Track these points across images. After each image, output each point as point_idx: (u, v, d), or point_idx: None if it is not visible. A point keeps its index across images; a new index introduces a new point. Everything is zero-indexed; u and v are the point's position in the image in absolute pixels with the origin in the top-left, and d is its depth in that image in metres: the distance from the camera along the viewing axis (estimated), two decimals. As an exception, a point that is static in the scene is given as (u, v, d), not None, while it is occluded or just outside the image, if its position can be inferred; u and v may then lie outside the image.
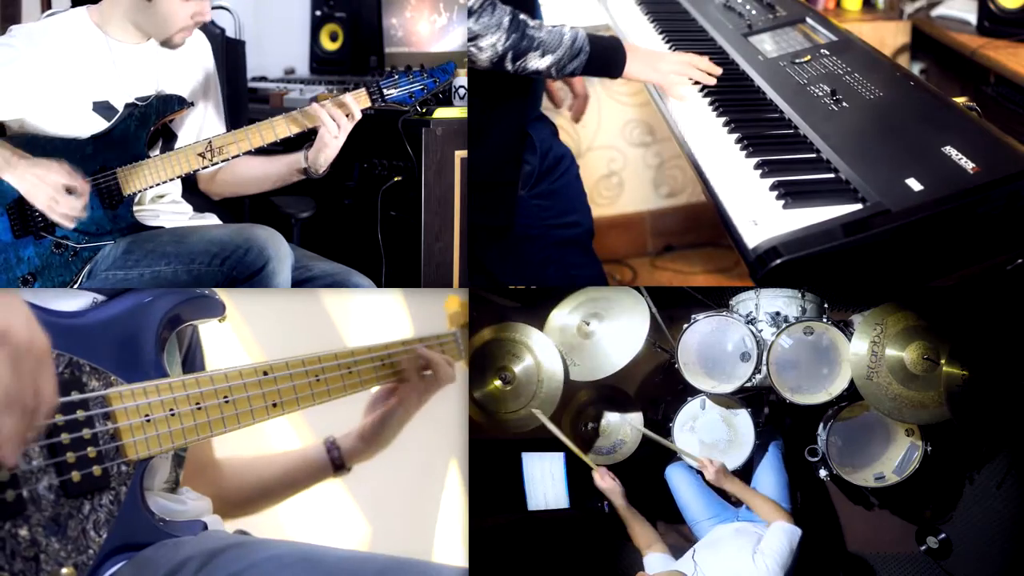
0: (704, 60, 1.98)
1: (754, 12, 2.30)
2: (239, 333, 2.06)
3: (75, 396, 1.21)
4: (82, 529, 1.19)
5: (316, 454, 1.72)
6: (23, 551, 1.13)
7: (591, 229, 2.15)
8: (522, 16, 1.81)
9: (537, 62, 1.81)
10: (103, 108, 1.86)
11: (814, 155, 1.67)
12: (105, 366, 1.26)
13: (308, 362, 1.50)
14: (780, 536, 1.89)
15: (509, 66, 1.81)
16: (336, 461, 1.72)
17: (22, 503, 1.14)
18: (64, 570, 1.16)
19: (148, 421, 1.27)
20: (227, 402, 1.36)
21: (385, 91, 1.89)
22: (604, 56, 1.87)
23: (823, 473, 2.20)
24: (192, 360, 1.50)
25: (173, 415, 1.30)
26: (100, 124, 1.85)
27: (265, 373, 1.43)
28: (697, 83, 1.96)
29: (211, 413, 1.34)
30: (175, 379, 1.32)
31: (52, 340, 1.19)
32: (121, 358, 1.28)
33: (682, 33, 2.31)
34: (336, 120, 1.86)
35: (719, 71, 1.97)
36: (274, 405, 1.43)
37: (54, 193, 1.75)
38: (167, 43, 1.87)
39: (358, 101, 1.88)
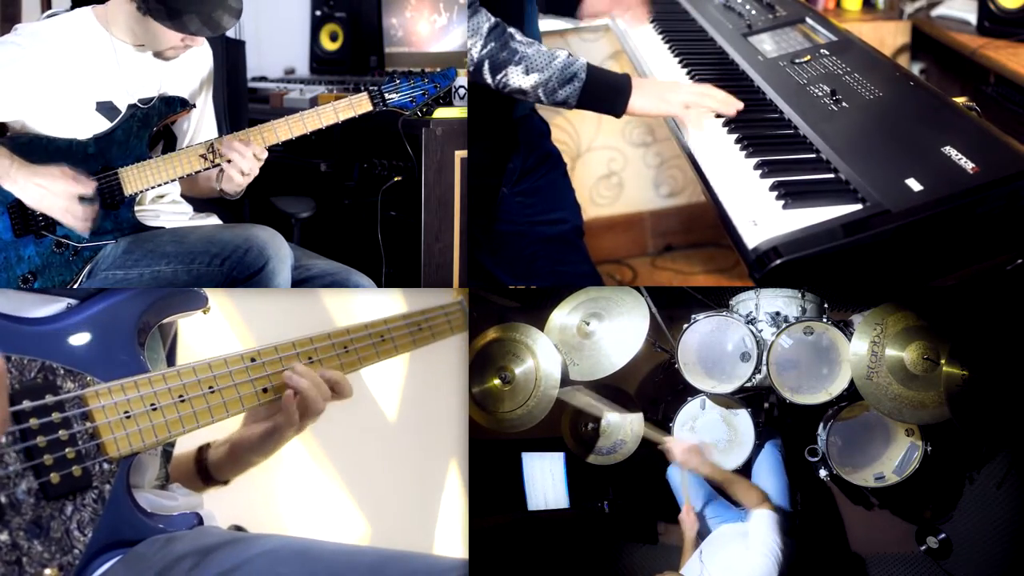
0: (722, 92, 1.83)
1: (754, 12, 2.29)
2: (238, 333, 2.06)
3: (49, 399, 1.21)
4: (65, 530, 1.19)
5: (187, 460, 1.57)
6: (4, 555, 1.13)
7: (579, 227, 2.12)
8: (510, 29, 1.73)
9: (520, 79, 1.72)
10: (106, 109, 1.86)
11: (814, 155, 1.67)
12: (81, 367, 1.25)
13: (299, 344, 1.47)
14: (761, 526, 1.91)
15: (488, 78, 1.73)
16: (204, 473, 1.56)
17: (0, 509, 1.14)
18: (47, 571, 1.15)
19: (128, 417, 1.26)
20: (213, 392, 1.35)
21: (387, 95, 1.89)
22: (603, 90, 1.75)
23: (823, 473, 2.20)
24: (172, 352, 1.50)
25: (155, 409, 1.29)
26: (103, 125, 1.85)
27: (253, 359, 1.41)
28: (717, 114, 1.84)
29: (196, 404, 1.33)
30: (155, 373, 1.31)
31: (24, 346, 1.20)
32: (98, 358, 1.27)
33: (682, 33, 2.31)
34: (244, 159, 1.84)
35: (741, 105, 1.82)
36: (264, 390, 1.41)
37: (67, 203, 1.76)
38: (158, 55, 1.88)
39: (359, 105, 1.88)
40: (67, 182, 1.77)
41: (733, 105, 1.81)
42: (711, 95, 1.82)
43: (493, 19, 1.71)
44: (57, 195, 1.76)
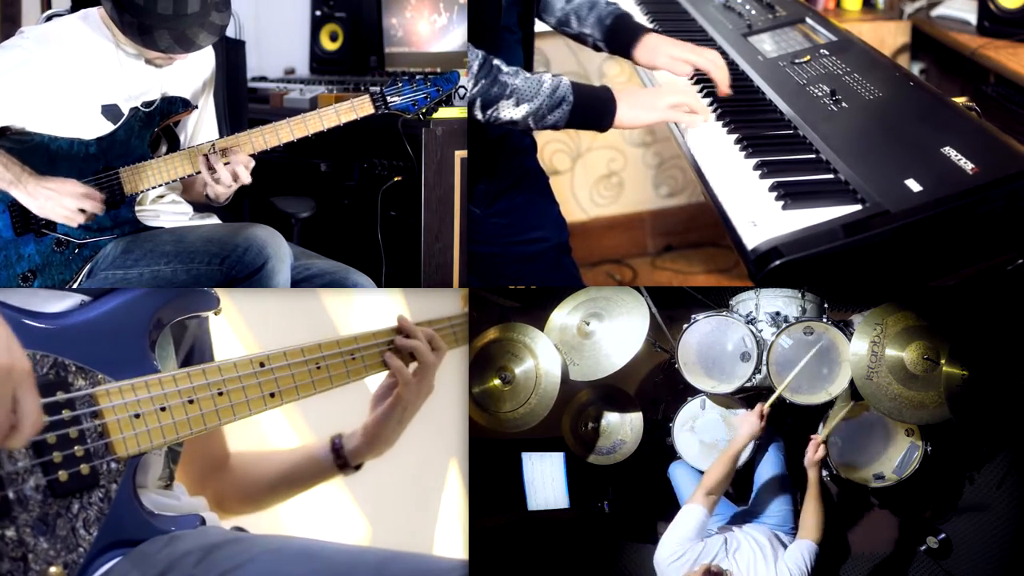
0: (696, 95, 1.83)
1: (754, 12, 2.29)
2: (238, 333, 2.06)
3: (60, 396, 1.21)
4: (71, 528, 1.19)
5: (321, 452, 1.62)
6: (10, 552, 1.13)
7: (563, 243, 2.05)
8: (496, 61, 1.68)
9: (511, 111, 1.68)
10: (110, 112, 1.86)
11: (813, 156, 1.67)
12: (92, 365, 1.25)
13: (308, 350, 1.46)
14: (803, 553, 1.93)
15: (479, 115, 1.70)
16: (341, 460, 1.61)
17: (8, 504, 1.14)
18: (52, 569, 1.16)
19: (137, 417, 1.26)
20: (221, 394, 1.34)
21: (388, 98, 1.89)
22: (590, 105, 1.70)
23: (823, 473, 2.20)
24: (201, 354, 1.50)
25: (164, 410, 1.28)
26: (106, 128, 1.85)
27: (262, 364, 1.40)
28: (708, 98, 1.87)
29: (204, 406, 1.32)
30: (165, 375, 1.30)
31: (37, 342, 1.20)
32: (109, 357, 1.27)
33: (682, 33, 2.31)
34: (220, 181, 1.83)
35: (722, 65, 1.86)
36: (272, 395, 1.40)
37: (71, 214, 1.79)
38: (150, 63, 1.89)
39: (361, 108, 1.88)
40: (75, 189, 1.79)
41: (720, 69, 1.84)
42: (692, 91, 1.83)
43: (481, 55, 1.67)
44: (62, 204, 1.78)
